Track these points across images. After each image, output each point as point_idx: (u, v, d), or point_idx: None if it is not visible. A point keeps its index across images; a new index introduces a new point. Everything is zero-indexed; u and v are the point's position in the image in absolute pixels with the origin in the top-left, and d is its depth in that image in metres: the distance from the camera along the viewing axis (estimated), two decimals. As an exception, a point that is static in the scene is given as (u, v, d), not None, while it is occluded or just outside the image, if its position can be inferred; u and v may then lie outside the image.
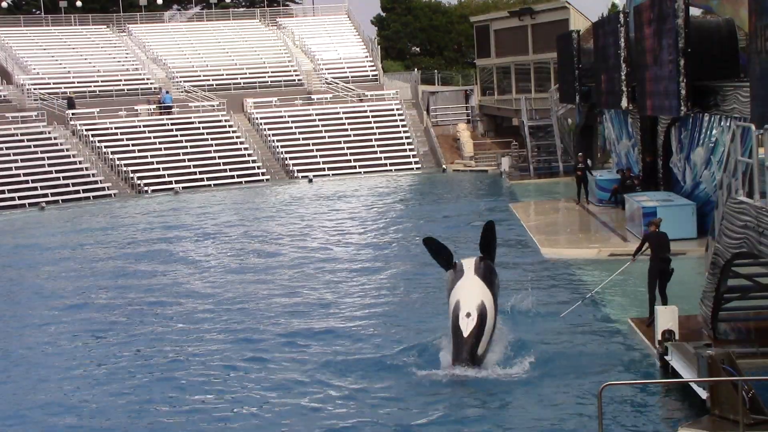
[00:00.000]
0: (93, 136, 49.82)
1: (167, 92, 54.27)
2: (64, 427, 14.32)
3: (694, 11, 27.46)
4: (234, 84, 57.05)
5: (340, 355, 16.95)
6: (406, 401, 14.41)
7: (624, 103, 30.03)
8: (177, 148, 50.38)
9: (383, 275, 24.41)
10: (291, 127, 53.62)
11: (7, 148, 46.68)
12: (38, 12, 68.68)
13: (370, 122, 54.34)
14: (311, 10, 71.02)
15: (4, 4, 68.90)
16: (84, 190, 45.89)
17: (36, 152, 47.20)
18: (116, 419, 14.50)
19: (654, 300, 16.73)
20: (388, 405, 14.31)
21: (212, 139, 51.43)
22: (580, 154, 35.52)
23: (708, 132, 24.57)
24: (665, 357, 14.83)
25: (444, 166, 52.04)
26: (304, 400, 14.74)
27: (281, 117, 54.52)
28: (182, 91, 55.74)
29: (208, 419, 14.20)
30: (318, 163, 51.48)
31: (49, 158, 47.02)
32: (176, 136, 51.34)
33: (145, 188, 47.45)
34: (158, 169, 48.78)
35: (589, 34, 37.97)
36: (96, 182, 46.81)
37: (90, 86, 54.54)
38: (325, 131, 53.29)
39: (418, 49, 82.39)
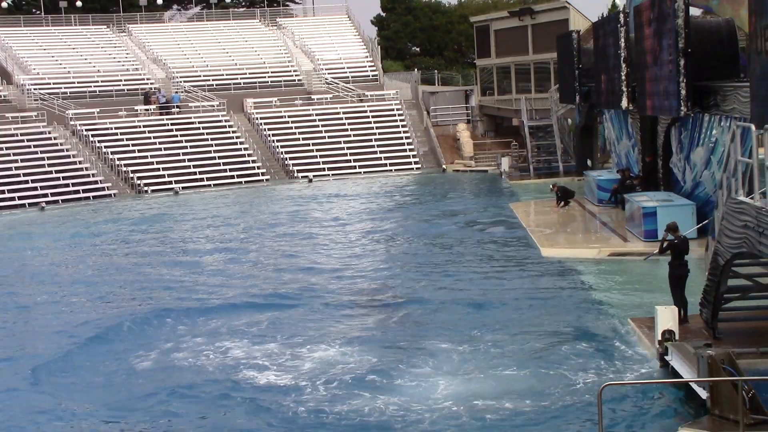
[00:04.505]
0: (93, 136, 49.82)
1: (176, 92, 54.33)
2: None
3: (694, 11, 27.47)
4: (234, 84, 57.04)
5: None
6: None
7: (624, 103, 30.03)
8: (177, 148, 50.36)
9: (381, 275, 24.42)
10: (291, 127, 53.60)
11: (7, 148, 46.67)
12: (38, 12, 68.69)
13: (370, 122, 54.32)
14: (311, 10, 71.20)
15: (4, 4, 68.89)
16: (84, 190, 45.85)
17: (36, 152, 47.18)
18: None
19: (679, 302, 16.56)
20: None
21: (212, 139, 51.42)
22: (552, 185, 34.29)
23: (708, 132, 24.57)
24: (665, 357, 14.83)
25: (444, 166, 52.01)
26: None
27: (281, 117, 54.51)
28: (182, 91, 55.72)
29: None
30: (318, 163, 51.46)
31: (49, 158, 46.99)
32: (176, 136, 51.32)
33: (145, 188, 47.43)
34: (158, 169, 48.75)
35: (589, 34, 37.97)
36: (96, 182, 46.77)
37: (90, 86, 54.54)
38: (325, 131, 53.29)
39: (418, 49, 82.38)
